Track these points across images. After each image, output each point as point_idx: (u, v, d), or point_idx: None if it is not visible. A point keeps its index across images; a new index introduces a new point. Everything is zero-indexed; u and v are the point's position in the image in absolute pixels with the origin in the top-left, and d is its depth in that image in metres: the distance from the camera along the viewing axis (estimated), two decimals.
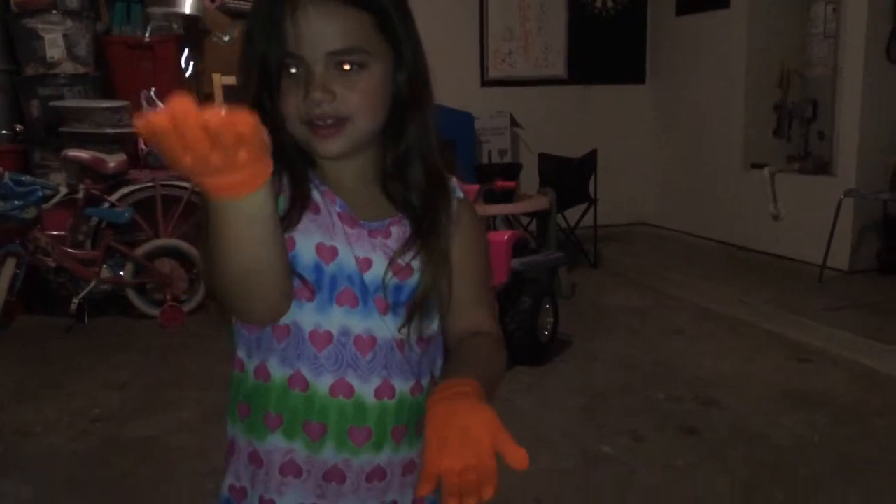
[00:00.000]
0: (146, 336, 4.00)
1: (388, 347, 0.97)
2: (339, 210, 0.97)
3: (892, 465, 2.62)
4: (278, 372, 0.95)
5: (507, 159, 5.80)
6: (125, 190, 4.25)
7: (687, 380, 3.36)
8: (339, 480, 0.96)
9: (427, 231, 0.97)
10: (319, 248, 0.94)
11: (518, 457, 0.76)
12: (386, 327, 0.96)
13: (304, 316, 0.94)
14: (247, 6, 4.78)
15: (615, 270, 5.36)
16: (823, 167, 5.08)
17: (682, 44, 6.14)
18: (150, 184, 4.29)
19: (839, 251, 4.67)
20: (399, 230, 0.98)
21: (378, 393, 0.96)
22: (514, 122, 5.86)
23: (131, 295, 4.20)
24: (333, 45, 0.90)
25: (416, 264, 0.97)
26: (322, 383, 0.94)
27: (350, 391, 0.95)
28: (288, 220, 0.93)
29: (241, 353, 0.99)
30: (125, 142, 4.40)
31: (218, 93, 4.43)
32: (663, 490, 2.49)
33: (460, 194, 1.04)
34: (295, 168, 0.95)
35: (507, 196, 4.45)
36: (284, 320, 0.93)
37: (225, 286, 0.85)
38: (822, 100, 5.23)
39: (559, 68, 6.16)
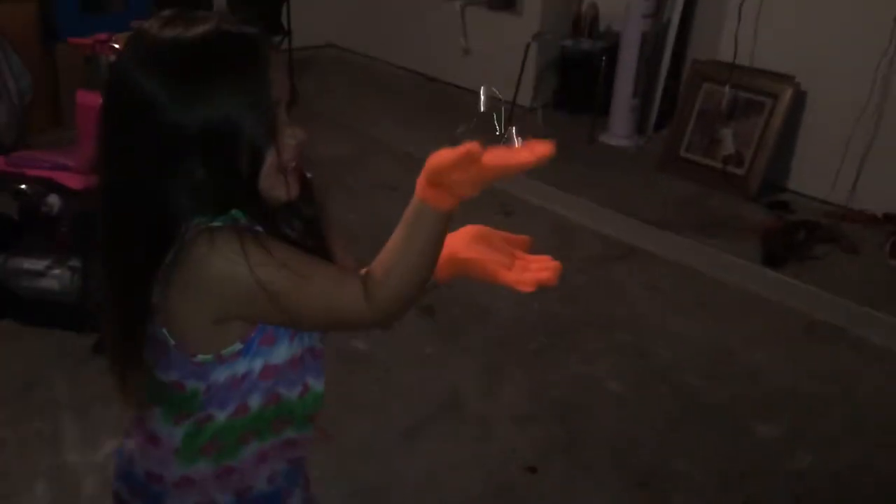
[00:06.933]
0: None
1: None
2: None
3: (596, 324, 3.05)
4: (257, 402, 1.02)
5: None
6: None
7: None
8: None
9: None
10: None
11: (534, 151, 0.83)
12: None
13: (282, 350, 1.01)
14: None
15: (316, 109, 5.20)
16: (510, 4, 5.28)
17: None
18: None
19: (522, 89, 5.00)
20: None
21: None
22: None
23: None
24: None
25: None
26: (294, 392, 1.05)
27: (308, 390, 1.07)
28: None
29: (212, 410, 1.02)
30: None
31: None
32: (419, 386, 2.67)
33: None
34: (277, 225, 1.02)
35: None
36: (275, 360, 1.01)
37: (419, 289, 0.96)
38: None
39: None
